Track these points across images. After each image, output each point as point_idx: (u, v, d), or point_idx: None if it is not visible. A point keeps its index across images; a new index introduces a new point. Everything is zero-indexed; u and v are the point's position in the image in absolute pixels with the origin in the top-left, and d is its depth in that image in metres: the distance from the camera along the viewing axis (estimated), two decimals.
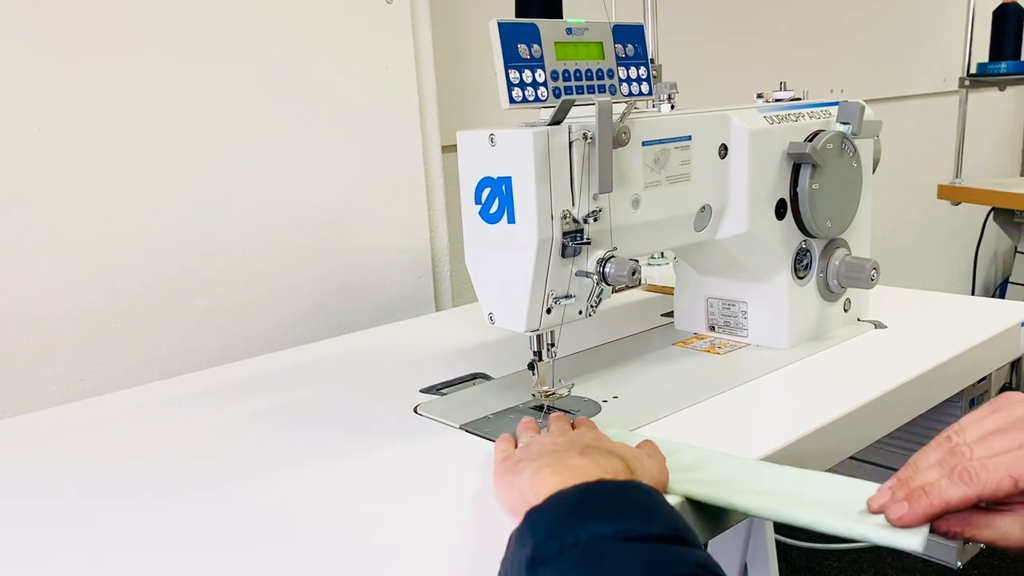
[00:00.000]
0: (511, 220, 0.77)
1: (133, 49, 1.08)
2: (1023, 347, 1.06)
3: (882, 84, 2.68)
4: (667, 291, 1.25)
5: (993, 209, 2.31)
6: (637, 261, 0.79)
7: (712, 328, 1.05)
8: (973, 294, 3.17)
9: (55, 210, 1.04)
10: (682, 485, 0.64)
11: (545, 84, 0.83)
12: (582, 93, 0.86)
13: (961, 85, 2.27)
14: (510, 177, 0.76)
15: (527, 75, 0.81)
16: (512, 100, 0.81)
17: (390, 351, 1.09)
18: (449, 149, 1.51)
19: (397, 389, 0.93)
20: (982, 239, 2.63)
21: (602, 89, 0.89)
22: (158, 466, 0.78)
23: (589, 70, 0.87)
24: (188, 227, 1.15)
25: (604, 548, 0.48)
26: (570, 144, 0.76)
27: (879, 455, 1.10)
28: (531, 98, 0.82)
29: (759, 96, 1.02)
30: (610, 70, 0.89)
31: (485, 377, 0.95)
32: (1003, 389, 2.43)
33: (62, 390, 1.08)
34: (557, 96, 0.84)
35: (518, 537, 0.52)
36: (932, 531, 0.55)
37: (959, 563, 1.07)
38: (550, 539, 0.50)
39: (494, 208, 0.78)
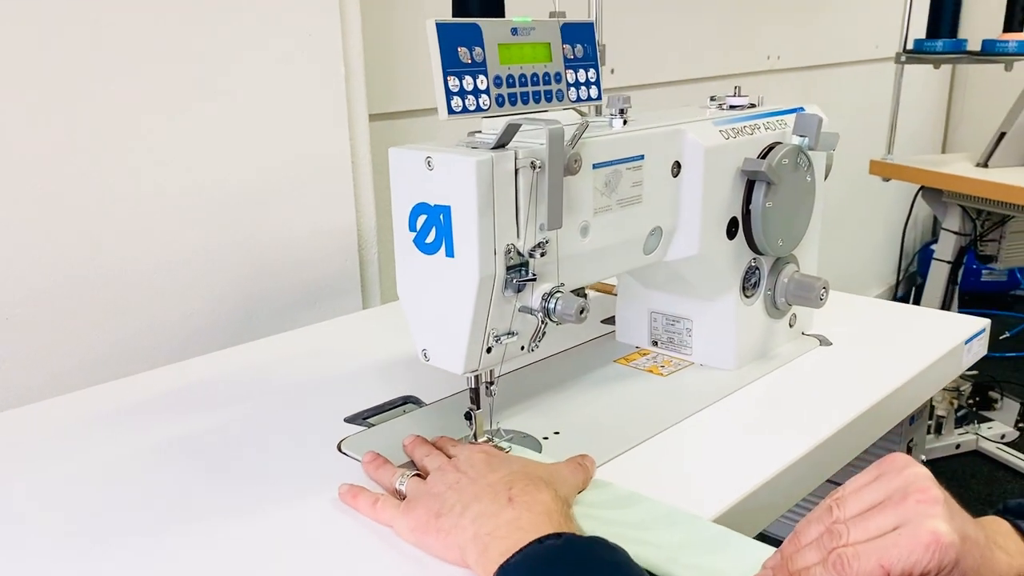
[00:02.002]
0: (449, 253, 0.69)
1: (22, 23, 0.95)
2: (964, 366, 1.04)
3: (817, 52, 2.65)
4: (608, 290, 1.20)
5: (922, 187, 2.32)
6: (585, 297, 0.73)
7: (655, 343, 1.00)
8: (899, 272, 3.23)
9: None
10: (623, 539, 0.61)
11: (487, 91, 0.75)
12: (527, 102, 0.79)
13: (897, 60, 2.25)
14: (449, 207, 0.68)
15: (468, 82, 0.74)
16: (451, 111, 0.73)
17: (312, 364, 1.01)
18: (377, 118, 1.42)
19: (319, 416, 0.86)
20: (911, 216, 2.66)
21: (548, 96, 0.82)
22: (15, 531, 0.69)
23: (535, 74, 0.79)
24: (88, 209, 1.04)
25: None
26: (516, 172, 0.69)
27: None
28: (472, 108, 0.75)
29: (712, 99, 0.96)
30: (557, 74, 0.82)
31: (416, 402, 0.89)
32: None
33: None
34: (500, 104, 0.77)
35: None
36: None
37: None
38: None
39: (430, 238, 0.70)
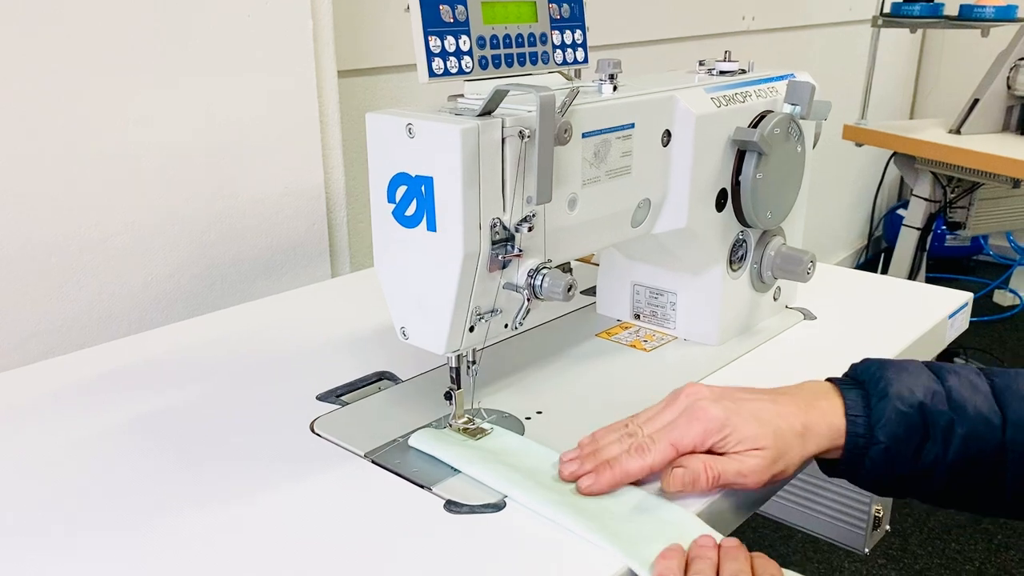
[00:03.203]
0: (431, 227, 0.65)
1: None
2: (947, 340, 1.03)
3: (793, 13, 2.61)
4: (587, 260, 1.16)
5: (894, 153, 2.31)
6: (570, 272, 0.69)
7: (637, 316, 0.97)
8: (870, 237, 3.24)
9: None
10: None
11: (470, 53, 0.71)
12: (511, 64, 0.75)
13: (874, 24, 2.22)
14: (431, 178, 0.64)
15: (449, 43, 0.69)
16: (432, 73, 0.69)
17: (280, 337, 0.96)
18: (347, 74, 1.36)
19: (289, 394, 0.82)
20: (882, 183, 2.65)
21: (533, 58, 0.77)
22: None
23: (520, 35, 0.75)
24: (42, 170, 0.98)
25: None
26: (503, 141, 0.64)
27: None
28: (454, 70, 0.71)
29: (701, 64, 0.92)
30: (543, 35, 0.78)
31: (391, 378, 0.85)
32: None
33: None
34: (484, 67, 0.73)
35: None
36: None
37: (867, 549, 1.06)
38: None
39: (411, 211, 0.66)
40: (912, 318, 0.99)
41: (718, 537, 0.60)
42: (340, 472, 0.69)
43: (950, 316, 1.02)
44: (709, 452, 0.66)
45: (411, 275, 0.68)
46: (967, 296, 1.06)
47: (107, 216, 1.06)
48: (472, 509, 0.64)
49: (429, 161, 0.64)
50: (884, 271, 2.63)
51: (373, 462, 0.70)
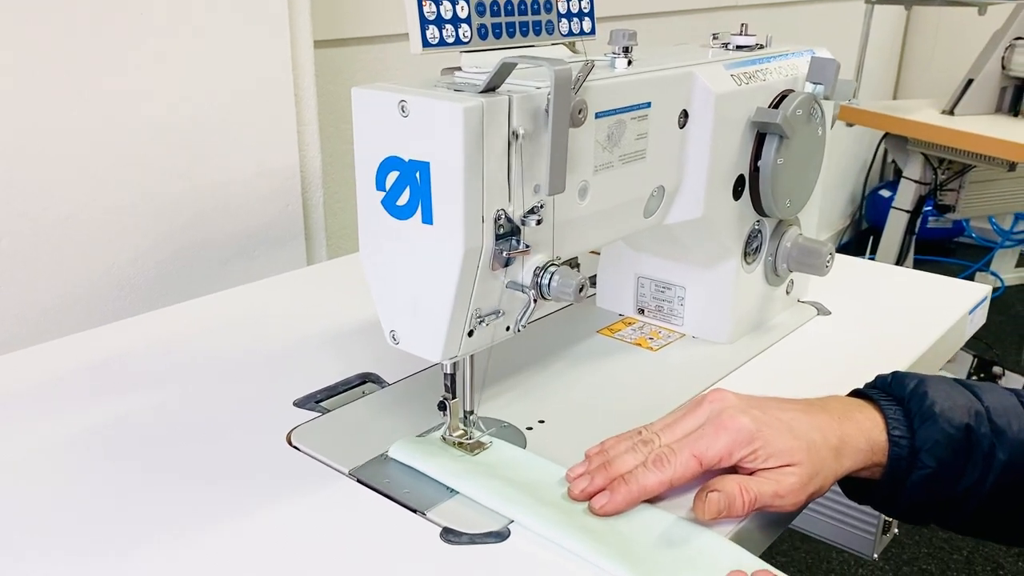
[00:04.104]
0: (427, 219, 0.57)
1: None
2: (966, 337, 0.97)
3: None
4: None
5: (886, 134, 2.26)
6: (578, 268, 0.62)
7: (641, 311, 0.90)
8: (859, 219, 3.19)
9: None
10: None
11: (468, 20, 0.63)
12: (513, 34, 0.67)
13: (868, 0, 2.15)
14: (428, 163, 0.56)
15: (446, 8, 0.61)
16: (426, 42, 0.61)
17: (252, 333, 0.88)
18: (324, 45, 1.27)
19: (263, 398, 0.74)
20: (873, 163, 2.60)
21: (537, 28, 0.69)
22: None
23: (523, 2, 0.67)
24: None
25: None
26: (510, 121, 0.57)
27: None
28: (450, 40, 0.63)
29: (715, 37, 0.85)
30: (547, 3, 0.69)
31: (376, 381, 0.77)
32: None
33: None
34: (483, 37, 0.65)
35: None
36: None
37: (875, 555, 1.00)
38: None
39: (403, 200, 0.58)
40: (932, 313, 0.93)
41: (754, 565, 0.54)
42: (320, 493, 0.61)
43: (970, 311, 0.96)
44: (736, 468, 0.59)
45: (403, 273, 0.60)
46: (986, 289, 1.00)
47: (63, 197, 0.97)
48: (472, 539, 0.57)
49: (426, 143, 0.56)
50: (872, 254, 2.58)
51: (358, 481, 0.63)
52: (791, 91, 0.80)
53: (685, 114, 0.72)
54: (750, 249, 0.83)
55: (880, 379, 0.65)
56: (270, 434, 0.68)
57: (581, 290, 0.60)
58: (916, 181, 2.28)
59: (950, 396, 0.61)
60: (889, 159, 3.16)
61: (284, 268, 1.17)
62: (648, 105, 0.68)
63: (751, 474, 0.58)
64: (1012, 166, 2.00)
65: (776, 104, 0.78)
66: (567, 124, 0.56)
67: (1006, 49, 2.13)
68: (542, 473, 0.62)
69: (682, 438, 0.60)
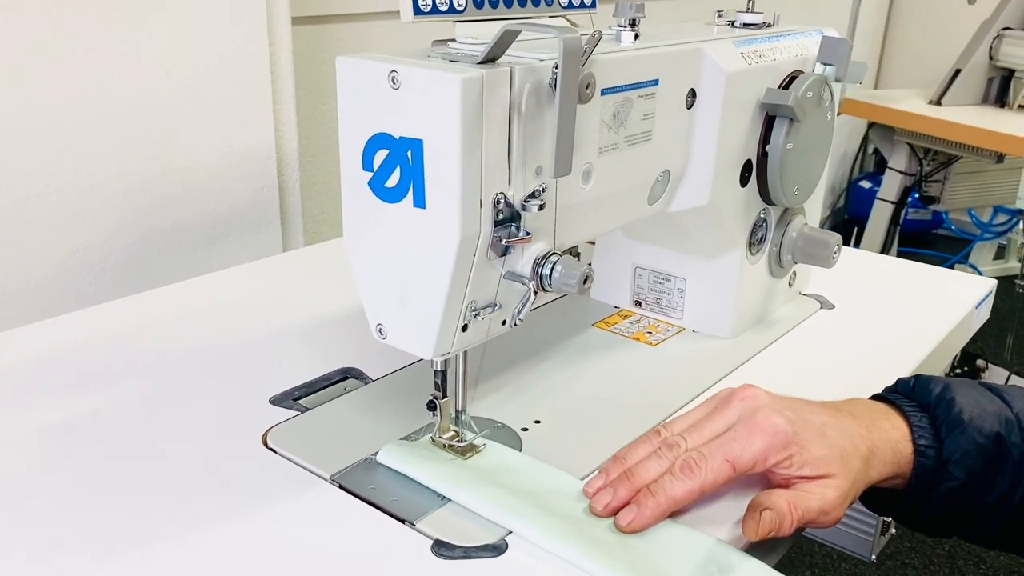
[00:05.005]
0: (419, 203, 0.52)
1: None
2: (971, 332, 0.94)
3: None
4: None
5: (872, 123, 2.23)
6: (579, 257, 0.57)
7: (638, 304, 0.85)
8: (844, 210, 3.16)
9: None
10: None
11: None
12: (510, 4, 0.62)
13: None
14: (420, 141, 0.51)
15: None
16: (417, 10, 0.56)
17: (225, 323, 0.82)
18: (302, 21, 1.21)
19: (237, 395, 0.69)
20: (859, 154, 2.58)
21: None
22: None
23: None
24: None
25: None
26: (511, 95, 0.52)
27: None
28: (444, 7, 0.58)
29: (719, 14, 0.80)
30: None
31: (359, 376, 0.72)
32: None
33: None
34: (478, 6, 0.60)
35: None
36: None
37: (873, 555, 0.97)
38: None
39: (392, 181, 0.53)
40: (939, 307, 0.89)
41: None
42: (299, 501, 0.56)
43: (976, 305, 0.92)
44: (766, 473, 0.55)
45: (392, 262, 0.55)
46: (991, 284, 0.97)
47: (23, 176, 0.90)
48: (467, 553, 0.52)
49: (419, 119, 0.51)
50: (856, 245, 2.56)
51: (341, 487, 0.57)
52: (800, 72, 0.76)
53: (693, 94, 0.68)
54: (755, 239, 0.79)
55: (902, 383, 0.61)
56: (243, 434, 0.63)
57: (585, 281, 0.56)
58: (901, 172, 2.26)
59: (978, 403, 0.57)
60: (870, 150, 3.14)
61: (259, 254, 1.11)
62: (656, 83, 0.63)
63: (786, 482, 0.54)
64: (1000, 158, 1.98)
65: (786, 86, 0.74)
66: (575, 98, 0.51)
67: (994, 39, 2.11)
68: (544, 479, 0.57)
69: (711, 440, 0.54)
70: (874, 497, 0.58)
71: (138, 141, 1.00)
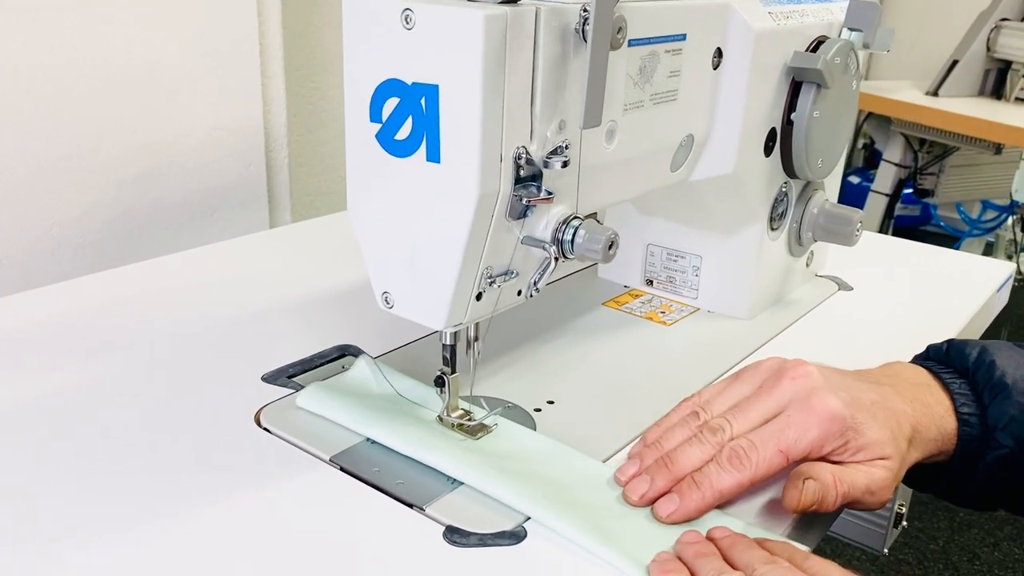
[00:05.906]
0: (433, 157, 0.47)
1: None
2: (994, 315, 0.90)
3: None
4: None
5: (868, 114, 2.20)
6: (614, 230, 0.52)
7: (650, 282, 0.81)
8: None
9: None
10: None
11: None
12: None
13: None
14: (436, 87, 0.46)
15: None
16: None
17: (212, 298, 0.77)
18: None
19: (227, 372, 0.64)
20: (855, 145, 2.55)
21: None
22: None
23: None
24: None
25: None
26: (536, 38, 0.47)
27: None
28: None
29: None
30: None
31: (356, 354, 0.67)
32: None
33: None
34: None
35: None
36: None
37: (886, 549, 0.93)
38: None
39: (403, 133, 0.48)
40: (960, 291, 0.86)
41: None
42: (296, 484, 0.51)
43: (998, 289, 0.89)
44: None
45: (401, 222, 0.50)
46: (1010, 267, 0.93)
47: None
48: (483, 540, 0.47)
49: (434, 63, 0.46)
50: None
51: (342, 469, 0.53)
52: (826, 38, 0.72)
53: (719, 53, 0.63)
54: (775, 214, 0.75)
55: (933, 349, 0.57)
56: (235, 413, 0.58)
57: (611, 247, 0.51)
58: (896, 164, 2.24)
59: (1021, 364, 0.53)
60: (859, 145, 3.12)
61: (244, 233, 1.06)
62: (683, 38, 0.59)
63: (836, 464, 0.50)
64: (999, 149, 1.95)
65: (813, 50, 0.70)
66: (608, 43, 0.47)
67: (992, 30, 2.09)
68: (566, 464, 0.53)
69: (761, 425, 0.49)
70: (914, 474, 0.54)
71: (118, 112, 0.95)
